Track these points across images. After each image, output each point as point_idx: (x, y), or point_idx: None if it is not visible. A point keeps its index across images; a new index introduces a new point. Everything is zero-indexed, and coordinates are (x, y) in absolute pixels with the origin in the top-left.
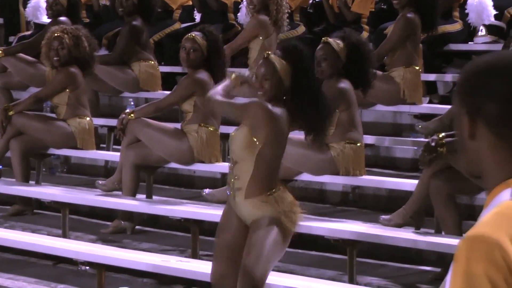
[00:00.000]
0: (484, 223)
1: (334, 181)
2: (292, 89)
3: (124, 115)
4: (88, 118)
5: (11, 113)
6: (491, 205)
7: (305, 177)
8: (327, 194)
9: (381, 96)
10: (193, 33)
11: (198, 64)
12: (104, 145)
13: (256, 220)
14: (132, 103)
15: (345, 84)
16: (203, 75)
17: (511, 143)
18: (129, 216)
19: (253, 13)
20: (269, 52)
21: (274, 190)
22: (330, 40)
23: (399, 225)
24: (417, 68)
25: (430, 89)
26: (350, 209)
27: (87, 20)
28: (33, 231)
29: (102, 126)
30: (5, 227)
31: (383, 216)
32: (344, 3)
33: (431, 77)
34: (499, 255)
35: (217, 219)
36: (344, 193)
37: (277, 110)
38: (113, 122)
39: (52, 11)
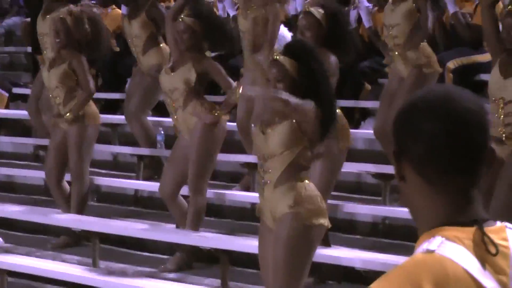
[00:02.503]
0: (385, 277)
1: (364, 212)
2: (305, 86)
3: None
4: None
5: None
6: (413, 254)
7: (332, 202)
8: (356, 224)
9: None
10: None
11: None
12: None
13: (280, 219)
14: (161, 131)
15: (334, 58)
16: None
17: (438, 186)
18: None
19: None
20: (277, 54)
21: (302, 180)
22: (312, 9)
23: None
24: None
25: None
26: (380, 240)
27: (118, 49)
28: (63, 261)
29: (132, 154)
30: (36, 256)
31: None
32: (374, 32)
33: None
34: None
35: (247, 249)
36: (374, 224)
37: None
38: (143, 151)
39: None
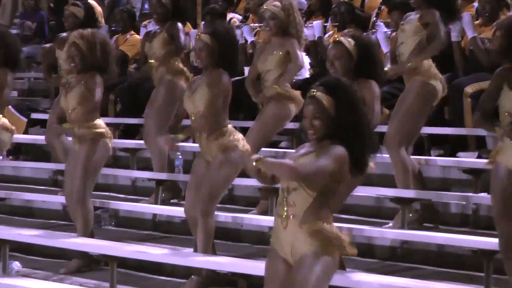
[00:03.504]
0: None
1: (382, 236)
2: (338, 125)
3: None
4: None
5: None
6: None
7: (351, 226)
8: (375, 248)
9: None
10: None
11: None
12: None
13: (302, 257)
14: (180, 157)
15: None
16: None
17: None
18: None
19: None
20: (315, 90)
21: (329, 220)
22: (342, 39)
23: None
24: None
25: (480, 143)
26: (398, 264)
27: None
28: (81, 285)
29: (150, 179)
30: (53, 280)
31: None
32: (393, 58)
33: (481, 131)
34: None
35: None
36: (393, 248)
37: (344, 152)
38: (161, 175)
39: (68, 23)
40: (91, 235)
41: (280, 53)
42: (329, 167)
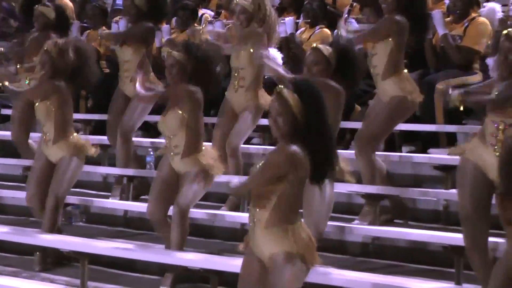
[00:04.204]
0: None
1: (354, 232)
2: (301, 125)
3: None
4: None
5: None
6: None
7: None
8: (346, 244)
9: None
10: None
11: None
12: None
13: (272, 257)
14: (151, 153)
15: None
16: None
17: None
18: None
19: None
20: (281, 87)
21: (293, 223)
22: (320, 46)
23: None
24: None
25: (450, 140)
26: (369, 260)
27: (107, 71)
28: (51, 281)
29: (121, 176)
30: (23, 277)
31: None
32: (364, 55)
33: (452, 128)
34: None
35: (237, 270)
36: (364, 244)
37: (300, 152)
38: (132, 172)
39: (38, 23)
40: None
41: (251, 49)
42: (259, 176)
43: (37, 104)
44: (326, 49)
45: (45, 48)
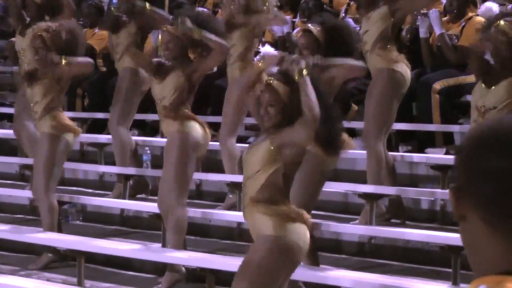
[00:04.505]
0: None
1: (350, 231)
2: (294, 113)
3: None
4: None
5: None
6: None
7: (319, 221)
8: (342, 244)
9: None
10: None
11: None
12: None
13: (256, 239)
14: (148, 152)
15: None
16: None
17: (503, 231)
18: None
19: None
20: (271, 79)
21: (285, 203)
22: (311, 26)
23: None
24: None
25: (447, 139)
26: (366, 260)
27: (104, 69)
28: (48, 280)
29: (118, 174)
30: (20, 275)
31: None
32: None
33: (449, 128)
34: None
35: (233, 269)
36: (360, 244)
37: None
38: (129, 170)
39: (30, 12)
40: (59, 230)
41: (245, 28)
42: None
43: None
44: (316, 29)
45: (38, 33)
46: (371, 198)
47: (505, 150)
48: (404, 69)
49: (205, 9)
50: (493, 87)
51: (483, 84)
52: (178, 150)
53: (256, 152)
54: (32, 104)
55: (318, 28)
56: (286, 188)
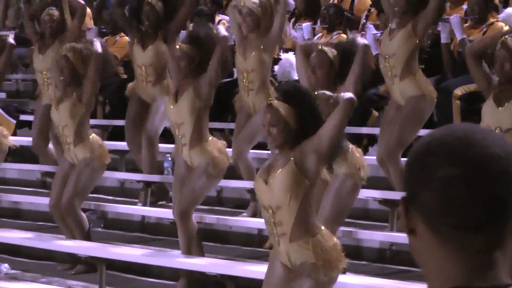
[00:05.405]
0: None
1: (371, 238)
2: (299, 131)
3: None
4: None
5: None
6: None
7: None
8: (363, 250)
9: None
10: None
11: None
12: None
13: (300, 265)
14: (169, 158)
15: None
16: None
17: (451, 244)
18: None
19: None
20: (271, 99)
21: (316, 232)
22: (326, 48)
23: None
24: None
25: None
26: (386, 266)
27: (125, 76)
28: (69, 287)
29: (139, 181)
30: (42, 282)
31: None
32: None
33: None
34: None
35: (253, 275)
36: (381, 250)
37: None
38: (150, 177)
39: (51, 29)
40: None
41: (259, 52)
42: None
43: (59, 105)
44: (331, 52)
45: (63, 54)
46: (391, 204)
47: (449, 158)
48: (431, 90)
49: (226, 17)
50: (503, 106)
51: (493, 102)
52: (206, 178)
53: (280, 178)
54: (60, 128)
55: (333, 51)
56: (312, 213)
